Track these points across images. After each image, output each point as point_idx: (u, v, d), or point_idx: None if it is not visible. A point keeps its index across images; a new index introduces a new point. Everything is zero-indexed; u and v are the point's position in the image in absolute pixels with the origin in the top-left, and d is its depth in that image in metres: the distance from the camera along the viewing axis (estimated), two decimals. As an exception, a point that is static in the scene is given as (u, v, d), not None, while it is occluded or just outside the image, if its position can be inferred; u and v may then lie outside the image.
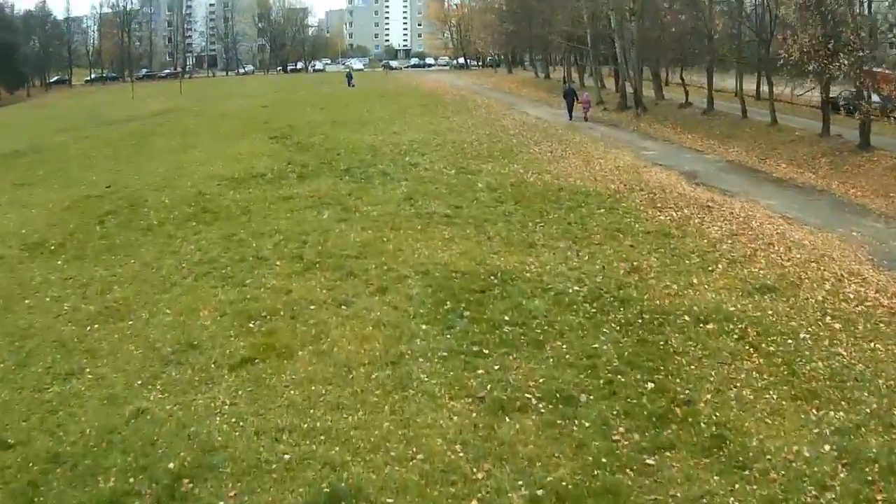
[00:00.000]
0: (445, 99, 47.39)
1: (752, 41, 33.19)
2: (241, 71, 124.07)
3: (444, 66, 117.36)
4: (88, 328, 11.15)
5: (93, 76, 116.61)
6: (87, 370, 9.76)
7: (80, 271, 13.81)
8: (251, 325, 10.77)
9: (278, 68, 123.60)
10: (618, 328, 10.57)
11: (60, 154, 30.87)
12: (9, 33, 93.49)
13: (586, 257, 13.64)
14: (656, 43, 37.73)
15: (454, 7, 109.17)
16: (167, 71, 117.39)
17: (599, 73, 47.93)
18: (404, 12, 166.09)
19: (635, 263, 13.23)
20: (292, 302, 11.48)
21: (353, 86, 62.80)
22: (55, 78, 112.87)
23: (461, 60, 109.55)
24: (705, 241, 14.78)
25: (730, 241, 14.77)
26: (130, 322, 11.26)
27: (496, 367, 9.28)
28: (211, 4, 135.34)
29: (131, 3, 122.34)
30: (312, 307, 11.26)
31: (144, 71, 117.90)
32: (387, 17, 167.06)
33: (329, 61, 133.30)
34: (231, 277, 12.79)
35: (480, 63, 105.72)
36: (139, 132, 35.28)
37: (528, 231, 15.32)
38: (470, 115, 37.13)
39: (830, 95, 27.46)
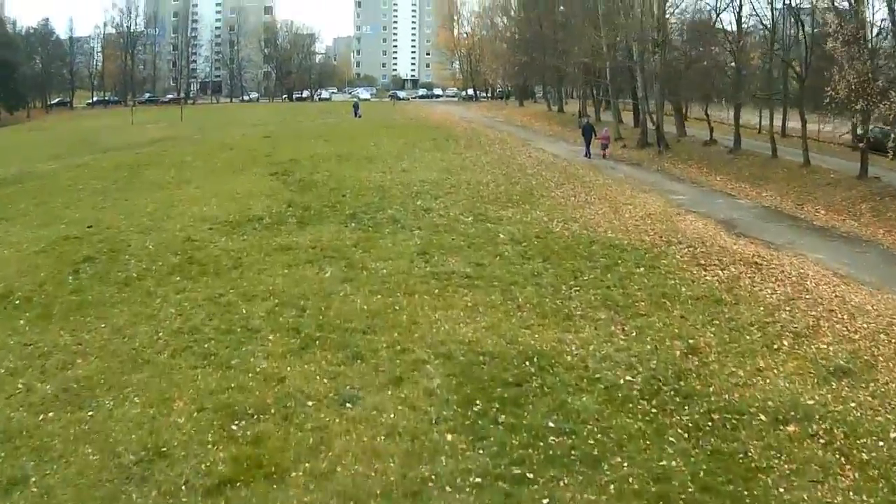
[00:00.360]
0: (456, 132, 45.58)
1: (783, 77, 31.72)
2: (246, 98, 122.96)
3: (453, 97, 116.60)
4: (42, 417, 9.26)
5: (94, 99, 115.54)
6: (33, 479, 7.91)
7: (43, 336, 11.91)
8: (234, 426, 8.74)
9: (283, 96, 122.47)
10: (685, 435, 8.70)
11: (49, 183, 29.11)
12: (9, 51, 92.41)
13: (633, 333, 11.72)
14: (680, 76, 36.11)
15: (464, 35, 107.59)
16: (170, 96, 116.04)
17: (617, 108, 46.16)
18: (413, 41, 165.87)
19: (691, 342, 11.44)
20: (286, 395, 9.42)
21: (360, 116, 61.39)
22: (57, 100, 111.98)
23: (470, 91, 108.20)
24: (761, 308, 13.13)
25: (788, 309, 13.17)
26: (90, 413, 9.28)
27: (545, 501, 7.28)
28: (217, 28, 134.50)
29: (136, 24, 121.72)
30: (310, 403, 9.20)
31: (147, 95, 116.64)
32: (395, 46, 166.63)
33: (335, 90, 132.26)
34: (214, 355, 10.77)
35: (489, 95, 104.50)
36: (133, 163, 33.41)
37: (562, 297, 13.34)
38: (483, 152, 35.19)
39: (869, 133, 26.03)
